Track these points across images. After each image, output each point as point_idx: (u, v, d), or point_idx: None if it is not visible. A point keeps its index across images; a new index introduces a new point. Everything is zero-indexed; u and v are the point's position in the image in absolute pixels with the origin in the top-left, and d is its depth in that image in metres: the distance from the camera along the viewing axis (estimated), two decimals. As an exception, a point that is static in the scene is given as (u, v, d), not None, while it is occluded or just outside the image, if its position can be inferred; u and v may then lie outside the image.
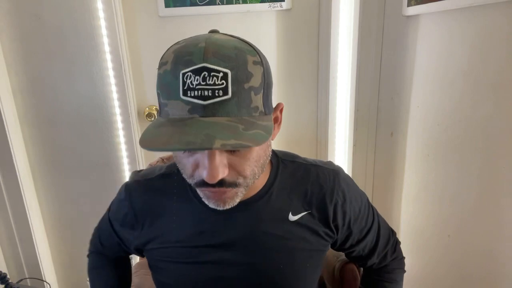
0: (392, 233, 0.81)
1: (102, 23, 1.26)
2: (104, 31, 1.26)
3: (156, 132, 0.48)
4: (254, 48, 0.52)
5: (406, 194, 1.18)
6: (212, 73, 0.46)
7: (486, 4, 0.78)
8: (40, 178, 1.42)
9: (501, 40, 0.76)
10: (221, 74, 0.46)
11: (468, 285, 0.93)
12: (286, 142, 1.44)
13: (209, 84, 0.46)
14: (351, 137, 1.33)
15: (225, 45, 0.49)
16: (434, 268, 1.07)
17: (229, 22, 1.34)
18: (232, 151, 0.51)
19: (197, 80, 0.46)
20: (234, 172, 0.53)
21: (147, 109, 1.40)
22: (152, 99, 1.41)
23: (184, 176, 0.56)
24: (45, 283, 1.39)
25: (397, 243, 0.82)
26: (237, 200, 0.57)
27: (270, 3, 1.32)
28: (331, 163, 0.72)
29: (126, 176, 1.43)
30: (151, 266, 0.73)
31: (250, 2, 1.31)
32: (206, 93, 0.46)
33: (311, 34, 1.39)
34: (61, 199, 1.45)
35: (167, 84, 0.49)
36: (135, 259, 1.28)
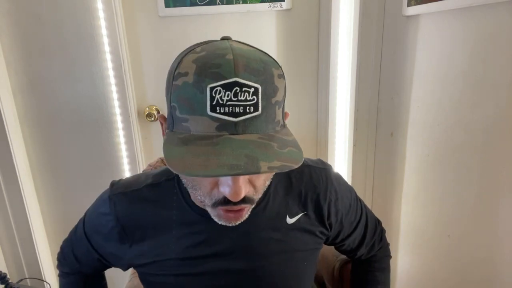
0: (378, 223, 0.83)
1: (102, 23, 1.26)
2: (104, 31, 1.26)
3: (184, 152, 0.44)
4: (275, 60, 0.51)
5: (406, 194, 1.18)
6: (244, 88, 0.44)
7: (486, 4, 0.78)
8: (40, 178, 1.42)
9: (502, 40, 0.76)
10: (252, 90, 0.45)
11: (468, 285, 0.93)
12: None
13: (240, 100, 0.44)
14: (351, 137, 1.33)
15: (251, 57, 0.47)
16: (434, 268, 1.07)
17: (229, 22, 1.34)
18: None
19: (228, 96, 0.44)
20: (252, 189, 0.52)
21: (147, 109, 1.40)
22: (152, 99, 1.41)
23: (199, 194, 0.52)
24: (45, 283, 1.39)
25: (382, 231, 0.84)
26: (246, 216, 0.55)
27: (270, 3, 1.32)
28: (321, 161, 0.72)
29: (126, 176, 1.42)
30: (145, 282, 0.69)
31: (250, 2, 1.31)
32: (237, 109, 0.44)
33: (311, 34, 1.39)
34: (61, 199, 1.45)
35: (189, 98, 0.45)
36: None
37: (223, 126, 0.45)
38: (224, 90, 0.44)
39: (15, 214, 1.36)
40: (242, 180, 0.47)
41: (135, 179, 0.68)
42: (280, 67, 0.51)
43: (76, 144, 1.38)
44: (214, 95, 0.44)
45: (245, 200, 0.50)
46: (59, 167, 1.41)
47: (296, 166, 0.44)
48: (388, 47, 1.20)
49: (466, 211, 0.92)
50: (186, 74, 0.46)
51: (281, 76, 0.50)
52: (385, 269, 0.84)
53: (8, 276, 1.09)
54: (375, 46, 1.23)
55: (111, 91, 1.33)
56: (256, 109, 0.45)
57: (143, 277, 0.69)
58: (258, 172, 0.41)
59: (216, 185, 0.49)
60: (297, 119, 1.47)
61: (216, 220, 0.55)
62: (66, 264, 0.77)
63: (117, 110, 1.35)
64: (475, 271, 0.91)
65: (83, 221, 0.72)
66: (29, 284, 1.41)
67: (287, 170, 0.44)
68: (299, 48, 1.40)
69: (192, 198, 0.62)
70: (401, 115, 1.16)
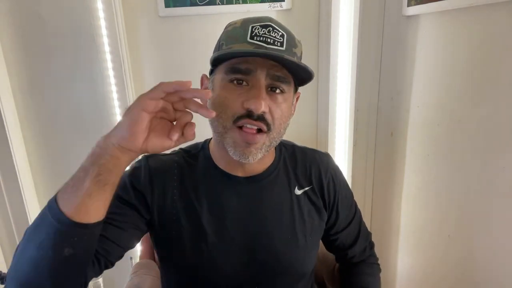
0: (370, 234, 0.88)
1: (102, 23, 1.26)
2: (104, 31, 1.26)
3: (226, 50, 0.61)
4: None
5: (406, 194, 1.18)
6: (275, 30, 0.61)
7: (486, 4, 0.78)
8: (40, 178, 1.42)
9: (501, 40, 0.76)
10: (280, 33, 0.62)
11: (469, 285, 0.93)
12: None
13: (271, 35, 0.61)
14: (351, 137, 1.33)
15: (282, 24, 0.65)
16: (434, 268, 1.07)
17: (229, 22, 1.33)
18: (272, 95, 0.62)
19: (263, 31, 0.60)
20: (270, 114, 0.62)
21: (147, 109, 1.39)
22: (152, 99, 1.41)
23: (222, 119, 0.62)
24: (45, 283, 1.39)
25: (372, 244, 0.88)
26: (259, 155, 0.64)
27: (270, 3, 1.32)
28: (320, 150, 0.82)
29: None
30: (157, 244, 0.71)
31: (250, 2, 1.31)
32: (269, 40, 0.60)
33: (311, 34, 1.39)
34: (61, 199, 1.45)
35: (234, 34, 0.62)
36: (135, 260, 1.28)
37: (257, 48, 0.60)
38: (261, 27, 0.61)
39: (15, 214, 1.36)
40: (265, 96, 0.60)
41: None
42: (300, 42, 0.67)
43: (76, 144, 1.38)
44: (253, 30, 0.61)
45: (263, 119, 0.61)
46: (59, 167, 1.41)
47: (310, 69, 0.61)
48: (388, 47, 1.20)
49: (466, 211, 0.92)
50: (235, 23, 0.64)
51: (300, 42, 0.67)
52: (375, 276, 0.85)
53: (8, 276, 1.09)
54: (375, 46, 1.23)
55: (111, 91, 1.33)
56: (281, 45, 0.61)
57: (156, 238, 0.71)
58: (282, 56, 0.57)
59: (241, 104, 0.61)
60: (297, 119, 1.46)
61: (232, 151, 0.63)
62: None
63: (117, 110, 1.35)
64: (475, 271, 0.91)
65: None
66: (29, 284, 1.41)
67: (303, 66, 0.60)
68: (299, 48, 1.40)
69: (215, 160, 0.71)
70: (401, 115, 1.16)
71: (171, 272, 0.74)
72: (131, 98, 1.35)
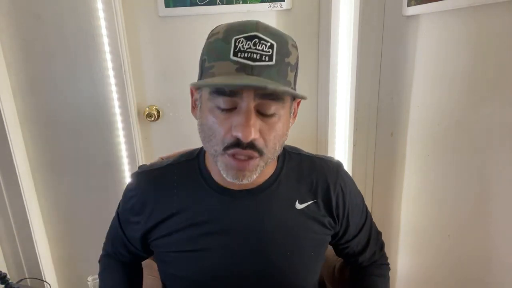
0: (380, 234, 0.85)
1: (102, 23, 1.26)
2: (104, 31, 1.26)
3: (206, 80, 0.55)
4: (291, 38, 0.61)
5: (406, 194, 1.18)
6: (262, 41, 0.54)
7: (486, 4, 0.78)
8: (40, 178, 1.42)
9: (501, 40, 0.76)
10: (269, 43, 0.54)
11: (468, 285, 0.93)
12: (286, 142, 1.43)
13: (258, 49, 0.53)
14: (351, 137, 1.33)
15: (271, 26, 0.58)
16: (434, 268, 1.07)
17: (229, 22, 1.33)
18: (263, 118, 0.56)
19: (248, 45, 0.53)
20: (262, 140, 0.57)
21: (147, 109, 1.40)
22: (152, 99, 1.41)
23: (211, 143, 0.58)
24: (45, 283, 1.39)
25: (383, 244, 0.85)
26: (254, 176, 0.59)
27: (270, 3, 1.32)
28: (332, 158, 0.77)
29: (126, 176, 1.43)
30: (159, 260, 0.73)
31: (250, 2, 1.31)
32: (255, 56, 0.53)
33: (311, 34, 1.39)
34: (61, 199, 1.45)
35: (216, 48, 0.55)
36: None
37: (241, 68, 0.53)
38: (245, 40, 0.53)
39: (15, 214, 1.36)
40: (254, 122, 0.54)
41: (158, 161, 0.77)
42: (295, 42, 0.61)
43: (76, 144, 1.38)
44: (237, 44, 0.53)
45: (254, 147, 0.56)
46: (59, 167, 1.41)
47: (299, 96, 0.53)
48: (388, 47, 1.20)
49: (466, 211, 0.92)
50: (217, 33, 0.57)
51: (295, 46, 0.60)
52: (385, 277, 0.82)
53: (8, 276, 1.09)
54: (375, 46, 1.23)
55: (111, 91, 1.33)
56: (270, 60, 0.54)
57: (157, 257, 0.73)
58: (265, 87, 0.49)
59: (229, 130, 0.55)
60: (297, 119, 1.47)
61: (224, 173, 0.59)
62: (105, 249, 0.83)
63: (117, 110, 1.35)
64: (475, 271, 0.91)
65: (118, 205, 0.78)
66: (29, 284, 1.41)
67: (289, 95, 0.55)
68: (299, 48, 1.40)
69: (211, 172, 0.68)
70: (401, 115, 1.16)
71: (173, 285, 0.75)
72: (131, 98, 1.35)
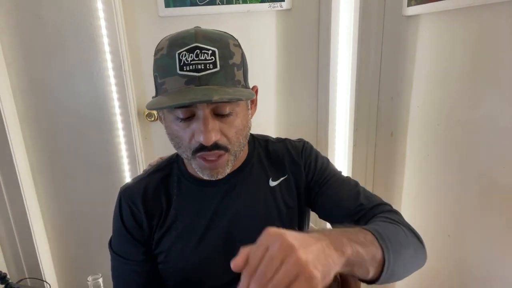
0: (376, 197, 0.72)
1: (102, 23, 1.26)
2: (104, 31, 1.26)
3: (159, 100, 0.58)
4: (233, 36, 0.64)
5: (406, 194, 1.18)
6: (203, 51, 0.57)
7: (486, 4, 0.78)
8: (40, 178, 1.42)
9: (501, 40, 0.76)
10: (210, 51, 0.57)
11: (469, 285, 0.93)
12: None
13: (201, 59, 0.57)
14: (351, 137, 1.33)
15: (209, 31, 0.61)
16: (434, 268, 1.07)
17: (229, 22, 1.33)
18: (221, 118, 0.60)
19: (191, 57, 0.57)
20: (225, 138, 0.61)
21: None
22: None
23: (181, 150, 0.63)
24: (45, 283, 1.39)
25: (390, 206, 0.71)
26: (227, 170, 0.65)
27: (270, 3, 1.32)
28: (300, 138, 0.81)
29: (126, 176, 1.43)
30: (160, 270, 0.74)
31: (250, 2, 1.31)
32: (199, 66, 0.57)
33: (311, 34, 1.39)
34: (61, 199, 1.45)
35: (164, 65, 0.59)
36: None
37: (190, 80, 0.57)
38: (188, 53, 0.57)
39: (15, 214, 1.36)
40: (212, 126, 0.58)
41: (141, 173, 0.79)
42: (237, 40, 0.64)
43: (76, 144, 1.38)
44: (181, 58, 0.57)
45: (219, 146, 0.61)
46: (59, 167, 1.41)
47: (243, 99, 0.58)
48: (388, 47, 1.20)
49: (466, 211, 0.92)
50: (162, 49, 0.60)
51: (237, 45, 0.63)
52: (401, 226, 0.62)
53: (8, 276, 1.09)
54: (375, 46, 1.23)
55: (111, 91, 1.33)
56: (215, 66, 0.57)
57: (159, 267, 0.74)
58: (210, 100, 0.53)
59: (192, 136, 0.60)
60: (297, 119, 1.47)
61: (200, 173, 0.65)
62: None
63: (117, 110, 1.35)
64: (475, 271, 0.91)
65: (110, 241, 0.76)
66: (29, 284, 1.41)
67: (235, 100, 0.59)
68: (299, 48, 1.40)
69: (188, 169, 0.73)
70: (401, 115, 1.16)
71: (167, 279, 0.76)
72: (131, 98, 1.35)
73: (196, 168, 0.65)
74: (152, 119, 1.40)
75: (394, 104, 1.20)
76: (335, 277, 0.91)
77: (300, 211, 0.76)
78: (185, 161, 0.73)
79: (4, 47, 1.27)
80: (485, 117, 0.82)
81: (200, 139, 0.58)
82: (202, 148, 0.60)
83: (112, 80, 1.32)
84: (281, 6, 1.32)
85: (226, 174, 0.65)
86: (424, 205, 1.09)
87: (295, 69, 1.41)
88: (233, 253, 0.67)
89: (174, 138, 0.63)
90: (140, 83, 1.38)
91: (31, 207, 1.38)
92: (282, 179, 0.75)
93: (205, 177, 0.65)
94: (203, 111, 0.58)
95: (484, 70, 0.82)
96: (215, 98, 0.53)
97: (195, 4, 1.29)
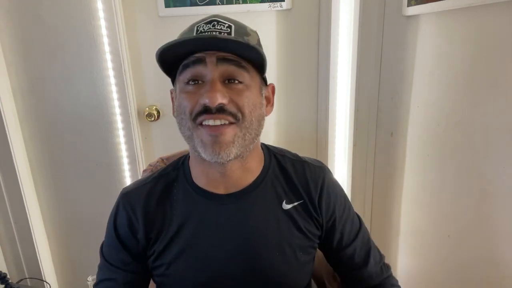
0: (382, 256, 0.78)
1: (102, 23, 1.26)
2: (104, 31, 1.26)
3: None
4: (256, 32, 0.66)
5: (406, 194, 1.18)
6: (220, 23, 0.59)
7: (486, 4, 0.78)
8: (40, 178, 1.42)
9: (501, 40, 0.76)
10: (227, 24, 0.60)
11: (469, 285, 0.93)
12: (286, 142, 1.43)
13: (217, 28, 0.59)
14: (351, 137, 1.33)
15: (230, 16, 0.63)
16: (434, 268, 1.07)
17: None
18: (231, 86, 0.58)
19: (207, 27, 0.59)
20: (234, 104, 0.58)
21: (147, 109, 1.40)
22: (152, 99, 1.41)
23: (184, 122, 0.60)
24: (45, 283, 1.39)
25: (389, 266, 0.78)
26: (234, 150, 0.58)
27: (270, 3, 1.32)
28: (319, 161, 0.76)
29: (127, 176, 1.43)
30: (155, 275, 0.70)
31: (250, 2, 1.31)
32: (214, 32, 0.58)
33: (311, 34, 1.38)
34: (61, 199, 1.45)
35: (180, 36, 0.60)
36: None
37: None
38: (205, 24, 0.59)
39: (15, 214, 1.36)
40: (219, 87, 0.56)
41: (143, 177, 0.75)
42: (256, 31, 0.66)
43: (76, 144, 1.38)
44: (198, 28, 0.59)
45: (225, 111, 0.56)
46: (59, 167, 1.41)
47: (252, 45, 0.56)
48: (388, 47, 1.20)
49: (466, 211, 0.92)
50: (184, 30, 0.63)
51: (254, 32, 0.65)
52: None
53: (8, 276, 1.09)
54: (375, 46, 1.23)
55: (111, 91, 1.33)
56: (229, 35, 0.58)
57: (153, 270, 0.70)
58: (216, 37, 0.56)
59: (197, 102, 0.57)
60: (297, 119, 1.47)
61: (202, 151, 0.59)
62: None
63: (117, 110, 1.35)
64: (475, 271, 0.91)
65: (101, 247, 0.73)
66: (29, 284, 1.41)
67: (244, 45, 0.56)
68: (299, 48, 1.40)
69: (194, 178, 0.68)
70: (401, 115, 1.16)
71: None
72: (131, 98, 1.35)
73: (198, 144, 0.59)
74: (152, 119, 1.40)
75: (394, 104, 1.20)
76: (335, 277, 0.91)
77: (312, 240, 0.70)
78: (193, 168, 0.68)
79: (4, 47, 1.27)
80: (485, 117, 0.82)
81: (205, 100, 0.55)
82: (205, 110, 0.56)
83: (112, 80, 1.32)
84: (281, 6, 1.32)
85: (232, 156, 0.58)
86: (424, 205, 1.09)
87: (295, 69, 1.41)
88: (241, 276, 0.66)
89: (179, 111, 0.60)
90: (140, 83, 1.38)
91: (31, 207, 1.38)
92: (297, 203, 0.69)
93: (207, 156, 0.58)
94: (212, 73, 0.57)
95: (484, 70, 0.82)
96: (221, 36, 0.55)
97: (195, 4, 1.29)
